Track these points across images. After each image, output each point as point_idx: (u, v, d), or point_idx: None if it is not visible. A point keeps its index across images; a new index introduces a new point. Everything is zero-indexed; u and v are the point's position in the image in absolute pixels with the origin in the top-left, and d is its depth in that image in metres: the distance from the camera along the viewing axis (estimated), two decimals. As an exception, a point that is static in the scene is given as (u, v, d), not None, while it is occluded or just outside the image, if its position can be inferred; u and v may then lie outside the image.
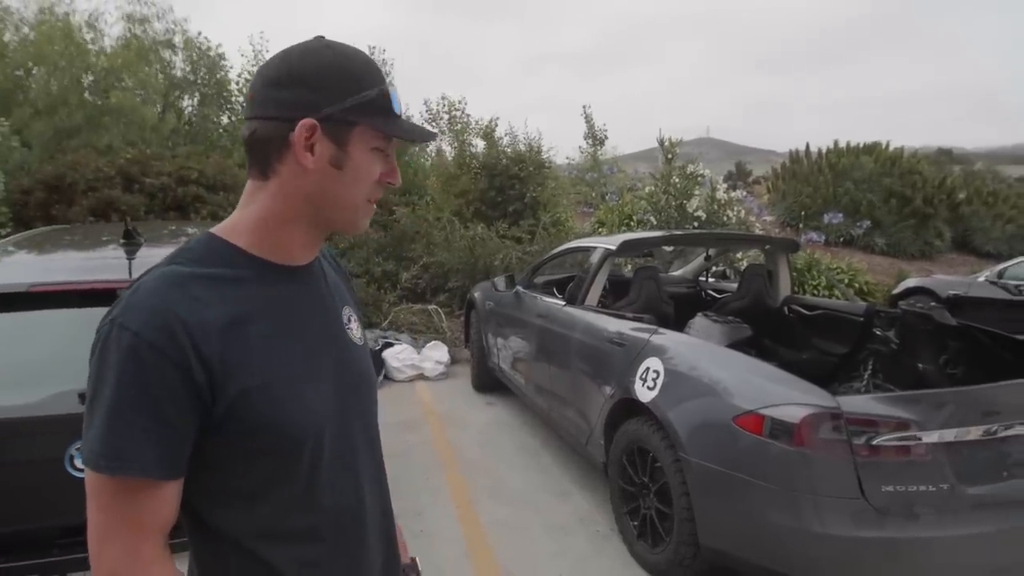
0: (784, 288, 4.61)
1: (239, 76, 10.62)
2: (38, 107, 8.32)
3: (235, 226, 0.95)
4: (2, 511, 1.83)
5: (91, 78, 9.17)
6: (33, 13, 9.41)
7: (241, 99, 10.64)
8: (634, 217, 9.33)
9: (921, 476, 2.29)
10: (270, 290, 0.93)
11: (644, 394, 3.01)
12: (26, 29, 9.25)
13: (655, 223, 8.56)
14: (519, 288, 5.03)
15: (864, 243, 12.07)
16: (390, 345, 6.67)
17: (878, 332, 3.85)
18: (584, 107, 12.27)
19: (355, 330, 1.08)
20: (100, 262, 2.73)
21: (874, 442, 2.27)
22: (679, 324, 4.04)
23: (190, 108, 10.64)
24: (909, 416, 2.33)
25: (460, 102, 11.65)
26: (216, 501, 0.90)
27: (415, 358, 6.51)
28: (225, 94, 10.66)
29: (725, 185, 8.96)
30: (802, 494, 2.35)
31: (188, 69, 10.64)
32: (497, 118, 9.78)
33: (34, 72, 8.72)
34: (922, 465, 2.31)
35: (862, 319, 3.94)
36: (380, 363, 6.38)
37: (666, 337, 3.17)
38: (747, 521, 2.51)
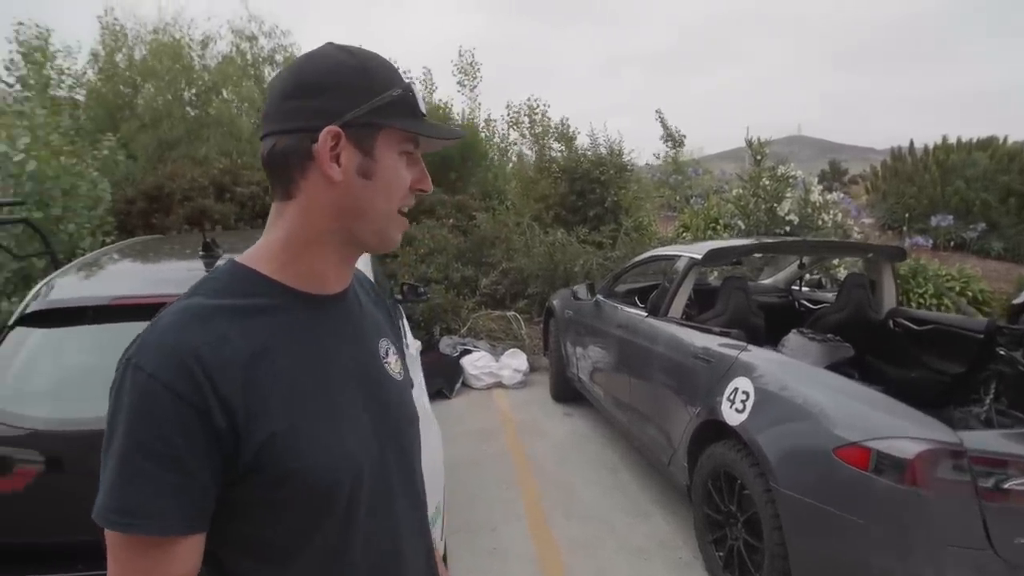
0: (889, 299, 4.23)
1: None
2: (144, 121, 8.87)
3: (260, 252, 0.87)
4: (79, 522, 1.87)
5: (193, 92, 9.70)
6: (148, 33, 10.08)
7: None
8: (720, 221, 8.94)
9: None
10: (297, 321, 0.85)
11: (732, 416, 2.79)
12: (138, 50, 9.90)
13: (743, 228, 8.16)
14: (599, 297, 4.87)
15: (978, 247, 11.11)
16: (468, 352, 6.65)
17: (1002, 351, 3.45)
18: (657, 111, 11.91)
19: (393, 364, 0.99)
20: (185, 274, 2.79)
21: (1006, 485, 1.99)
22: (770, 336, 3.78)
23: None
24: (1047, 456, 2.03)
25: (541, 105, 11.57)
26: (243, 554, 0.82)
27: (493, 365, 6.45)
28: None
29: (820, 186, 8.43)
30: (915, 539, 2.09)
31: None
32: (567, 119, 9.60)
33: (142, 89, 9.30)
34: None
35: (982, 335, 3.55)
36: (458, 370, 6.36)
37: (757, 355, 2.94)
38: (848, 564, 2.27)
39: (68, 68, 9.29)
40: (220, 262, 0.90)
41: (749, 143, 8.78)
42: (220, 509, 0.78)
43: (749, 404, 2.73)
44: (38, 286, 2.53)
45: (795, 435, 2.52)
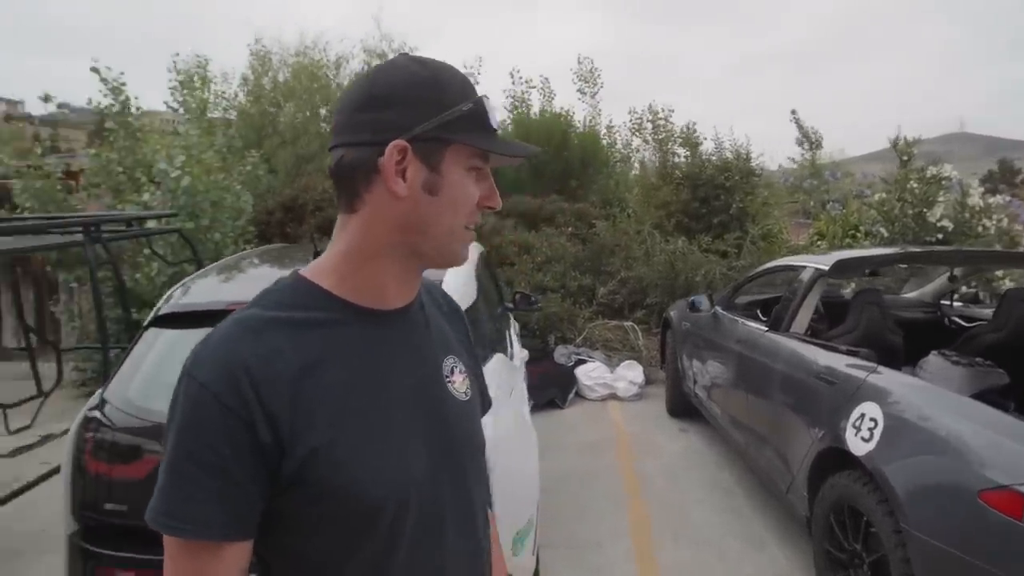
0: (1062, 318, 3.67)
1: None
2: (284, 137, 9.59)
3: (323, 265, 0.87)
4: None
5: (327, 108, 10.36)
6: (290, 56, 10.92)
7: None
8: (861, 228, 8.23)
9: None
10: (353, 336, 0.83)
11: (857, 445, 2.52)
12: (282, 73, 10.75)
13: (886, 236, 7.46)
14: (717, 309, 4.63)
15: None
16: (583, 362, 6.56)
17: None
18: (792, 111, 11.17)
19: (458, 384, 0.95)
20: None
21: None
22: (912, 357, 3.40)
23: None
24: None
25: (664, 110, 11.25)
26: (286, 564, 0.83)
27: (608, 377, 6.32)
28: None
29: (980, 188, 7.53)
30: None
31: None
32: (694, 124, 9.23)
33: (284, 108, 10.08)
34: None
35: None
36: (572, 380, 6.29)
37: (888, 378, 2.64)
38: (997, 625, 1.96)
39: (223, 92, 10.27)
40: (284, 277, 0.91)
41: (894, 143, 8.03)
42: (266, 518, 0.79)
43: (877, 433, 2.45)
44: (171, 290, 2.77)
45: (931, 471, 2.23)
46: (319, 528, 0.80)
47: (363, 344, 0.84)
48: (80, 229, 3.85)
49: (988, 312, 4.10)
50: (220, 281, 2.94)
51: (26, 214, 5.73)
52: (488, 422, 2.14)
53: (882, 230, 7.58)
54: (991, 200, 7.29)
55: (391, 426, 0.83)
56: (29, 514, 3.66)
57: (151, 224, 5.10)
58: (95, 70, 6.43)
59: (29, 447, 4.83)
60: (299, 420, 0.76)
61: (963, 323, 4.31)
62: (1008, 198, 8.28)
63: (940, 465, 2.20)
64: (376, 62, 11.20)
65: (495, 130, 0.85)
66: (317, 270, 0.86)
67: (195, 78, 7.52)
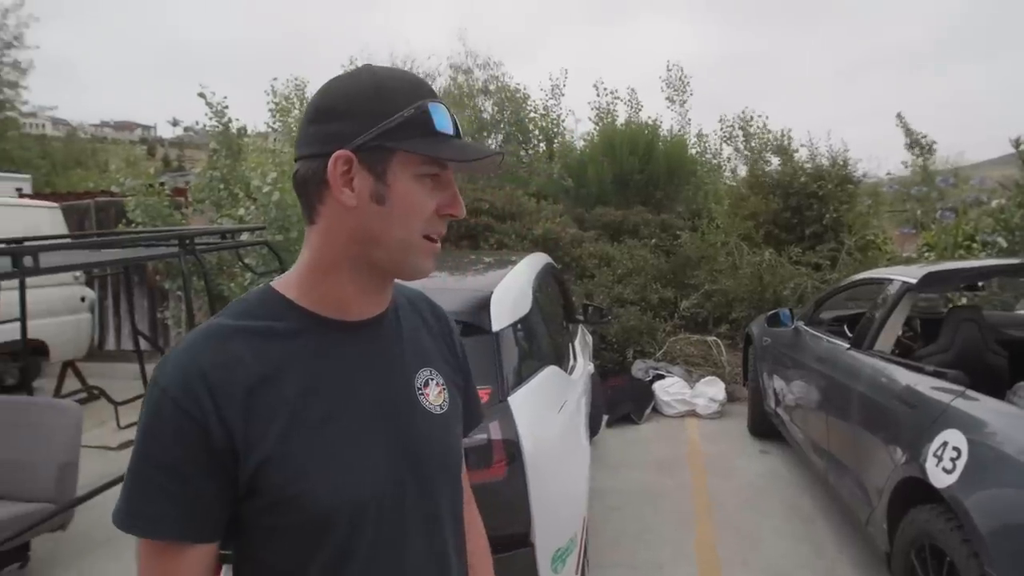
0: None
1: (534, 111, 11.41)
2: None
3: (290, 277, 0.89)
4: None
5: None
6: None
7: (538, 132, 11.37)
8: (976, 238, 7.54)
9: None
10: (316, 347, 0.84)
11: (938, 476, 2.29)
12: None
13: (1005, 246, 6.80)
14: (799, 324, 4.38)
15: None
16: (661, 377, 6.38)
17: None
18: (898, 115, 10.39)
19: (432, 397, 0.93)
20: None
21: None
22: (1017, 381, 3.07)
23: (494, 145, 11.79)
24: None
25: (757, 117, 10.85)
26: (253, 570, 0.85)
27: (687, 393, 6.11)
28: (525, 130, 11.54)
29: (1117, 194, 6.72)
30: None
31: (496, 110, 11.77)
32: (789, 130, 8.81)
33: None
34: None
35: None
36: (649, 395, 6.12)
37: (977, 403, 2.39)
38: None
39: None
40: (256, 288, 0.94)
41: (1016, 143, 7.32)
42: (231, 524, 0.81)
43: (960, 463, 2.22)
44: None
45: (1020, 509, 1.99)
46: (276, 536, 0.81)
47: (325, 355, 0.85)
48: (176, 242, 4.16)
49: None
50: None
51: (139, 228, 6.25)
52: (527, 436, 2.13)
53: (1000, 240, 6.91)
54: None
55: (349, 437, 0.83)
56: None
57: (244, 237, 5.43)
58: (202, 95, 6.96)
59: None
60: (253, 429, 0.78)
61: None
62: None
63: (1030, 502, 1.96)
64: (461, 77, 11.47)
65: (447, 135, 0.83)
66: (285, 282, 0.88)
67: (292, 97, 7.96)
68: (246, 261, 5.26)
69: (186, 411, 0.75)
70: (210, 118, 6.99)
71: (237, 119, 7.10)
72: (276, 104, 8.01)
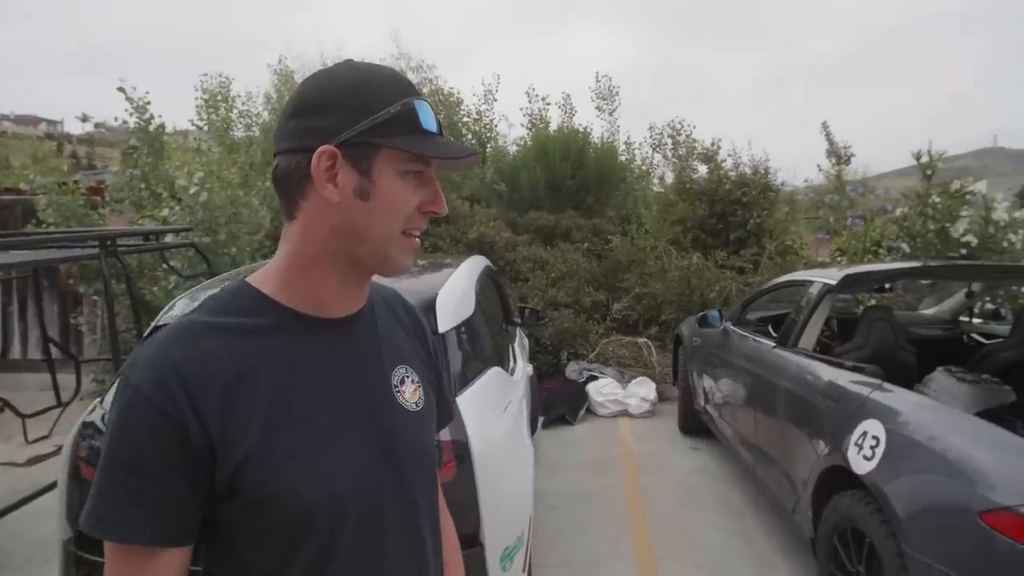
0: (1084, 336, 3.55)
1: (467, 115, 11.43)
2: (306, 154, 9.71)
3: (267, 272, 0.87)
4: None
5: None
6: (310, 74, 11.10)
7: (471, 137, 11.39)
8: (883, 244, 8.06)
9: None
10: (294, 343, 0.83)
11: (859, 464, 2.45)
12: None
13: (908, 252, 7.30)
14: (727, 325, 4.56)
15: None
16: (594, 378, 6.51)
17: None
18: (823, 124, 11.00)
19: (408, 394, 0.94)
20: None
21: None
22: (925, 375, 3.31)
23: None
24: None
25: (685, 126, 11.23)
26: (230, 574, 0.82)
27: (619, 393, 6.26)
28: (458, 134, 11.54)
29: (1006, 203, 7.33)
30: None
31: (430, 113, 11.69)
32: (719, 140, 9.17)
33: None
34: None
35: None
36: (583, 396, 6.23)
37: (892, 395, 2.57)
38: (999, 653, 1.88)
39: (248, 111, 10.49)
40: (229, 283, 0.92)
41: (918, 156, 7.87)
42: (206, 528, 0.79)
43: (879, 451, 2.38)
44: (174, 300, 2.81)
45: (931, 491, 2.16)
46: (256, 536, 0.79)
47: (302, 352, 0.84)
48: (96, 243, 3.94)
49: (1007, 329, 3.99)
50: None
51: (51, 229, 5.88)
52: (477, 436, 2.14)
53: (904, 246, 7.41)
54: (1016, 214, 7.09)
55: (327, 434, 0.82)
56: (38, 521, 3.71)
57: (168, 239, 5.20)
58: (121, 90, 6.62)
59: (45, 457, 4.93)
60: (231, 426, 0.76)
61: (981, 340, 4.19)
62: (1037, 213, 8.05)
63: (941, 485, 2.13)
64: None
65: (431, 133, 0.83)
66: (262, 277, 0.87)
67: (218, 97, 7.69)
68: (171, 264, 5.04)
69: (160, 408, 0.73)
70: (130, 113, 6.65)
71: (159, 116, 6.78)
72: (205, 101, 7.70)
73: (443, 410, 1.09)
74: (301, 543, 0.80)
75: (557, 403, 6.00)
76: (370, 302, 0.94)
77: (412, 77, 11.21)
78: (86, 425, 2.35)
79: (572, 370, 6.74)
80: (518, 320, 4.63)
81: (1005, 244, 6.84)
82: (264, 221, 6.49)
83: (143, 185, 6.51)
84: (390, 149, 0.80)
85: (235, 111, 8.75)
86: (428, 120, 0.83)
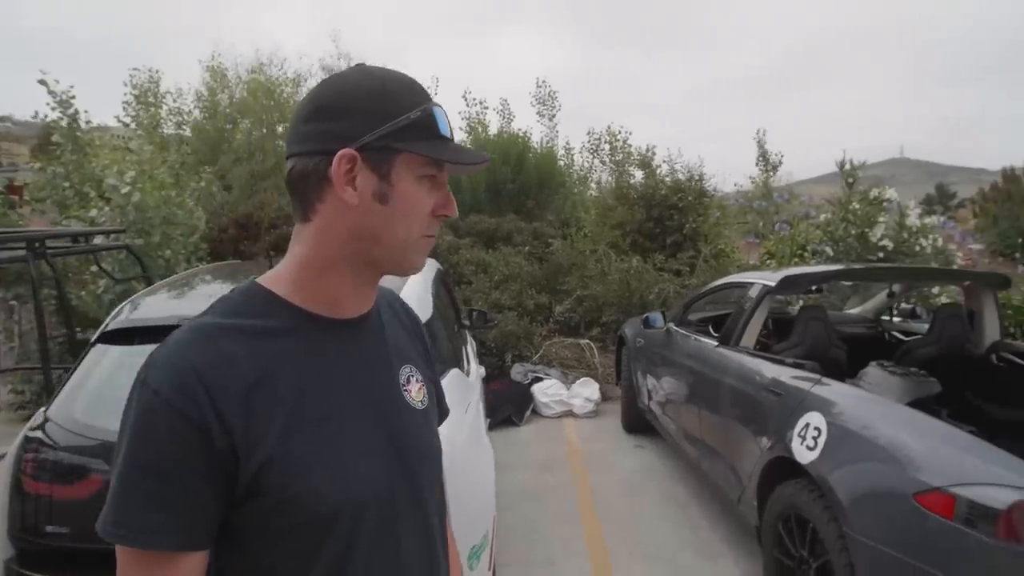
0: (991, 332, 3.87)
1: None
2: (239, 154, 9.49)
3: (279, 274, 0.87)
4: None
5: (284, 126, 10.31)
6: (246, 73, 10.82)
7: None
8: (808, 248, 8.52)
9: None
10: (309, 344, 0.84)
11: (802, 454, 2.61)
12: (238, 90, 10.64)
13: (831, 255, 7.74)
14: (670, 325, 4.72)
15: (1107, 276, 10.06)
16: (539, 380, 6.59)
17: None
18: (758, 131, 11.53)
19: (415, 393, 0.96)
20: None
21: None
22: (853, 370, 3.53)
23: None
24: None
25: (621, 132, 11.52)
26: None
27: (564, 394, 6.36)
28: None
29: (917, 210, 7.89)
30: (1009, 600, 1.86)
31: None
32: (654, 146, 9.50)
33: (239, 125, 9.97)
34: None
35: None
36: (528, 398, 6.31)
37: (831, 389, 2.74)
38: (933, 623, 2.04)
39: (178, 108, 10.11)
40: (240, 284, 0.92)
41: (840, 165, 8.35)
42: (223, 533, 0.78)
43: (821, 441, 2.54)
44: (120, 306, 2.71)
45: (870, 477, 2.32)
46: (277, 539, 0.79)
47: (318, 353, 0.84)
48: (23, 245, 3.73)
49: (924, 326, 4.30)
50: (171, 297, 2.88)
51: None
52: (443, 437, 2.16)
53: (827, 249, 7.85)
54: (927, 221, 7.64)
55: (346, 434, 0.83)
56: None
57: (98, 240, 4.96)
58: (43, 82, 6.26)
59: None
60: (254, 428, 0.76)
61: (902, 337, 4.49)
62: (943, 219, 8.69)
63: (879, 470, 2.29)
64: (335, 80, 11.19)
65: (447, 138, 0.86)
66: (273, 278, 0.87)
67: (148, 94, 7.39)
68: (103, 266, 4.81)
69: (181, 412, 0.73)
70: (53, 108, 6.30)
71: (85, 111, 6.45)
72: (135, 96, 7.37)
73: (441, 407, 1.11)
74: (322, 544, 0.80)
75: (503, 405, 6.04)
76: (376, 303, 0.96)
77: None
78: (29, 440, 2.24)
79: (517, 372, 6.80)
80: (467, 323, 4.66)
81: (917, 248, 7.35)
82: (200, 223, 6.29)
83: (67, 184, 6.18)
84: (409, 154, 0.82)
85: (164, 108, 8.45)
86: (444, 126, 0.86)
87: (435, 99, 0.88)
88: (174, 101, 9.74)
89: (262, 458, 0.76)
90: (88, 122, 6.56)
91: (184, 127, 9.86)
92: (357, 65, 0.88)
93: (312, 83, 11.12)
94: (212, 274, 3.47)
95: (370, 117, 0.81)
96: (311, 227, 0.84)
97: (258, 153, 9.48)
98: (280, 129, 10.08)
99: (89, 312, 5.32)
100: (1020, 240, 10.66)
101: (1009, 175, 13.06)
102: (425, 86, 0.89)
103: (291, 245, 0.88)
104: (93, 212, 5.57)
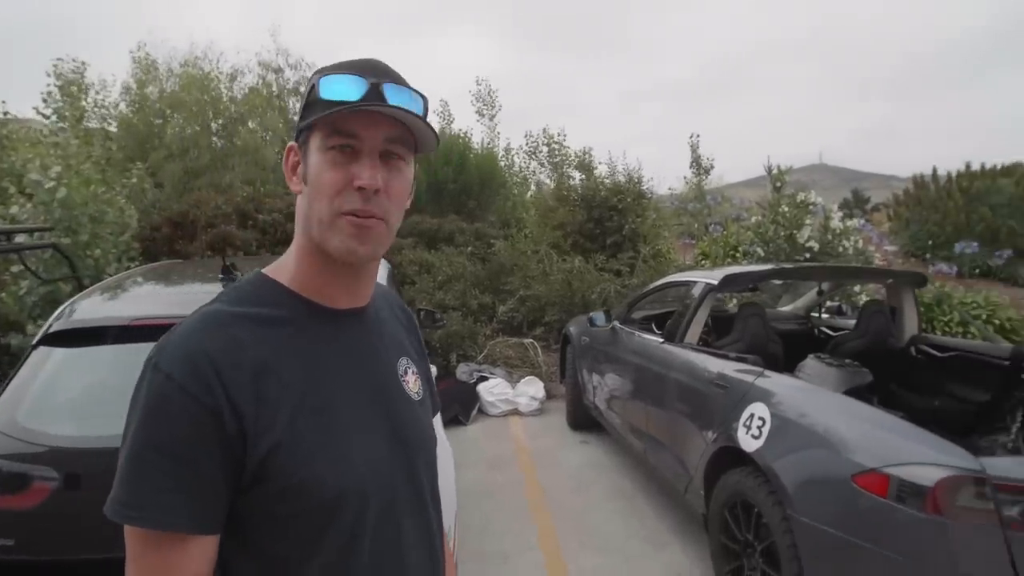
0: (910, 326, 4.16)
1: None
2: (172, 150, 9.12)
3: (282, 263, 0.91)
4: (93, 539, 1.87)
5: (220, 122, 9.97)
6: (178, 66, 10.41)
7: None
8: (740, 249, 8.88)
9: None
10: (312, 333, 0.86)
11: (748, 443, 2.75)
12: (170, 83, 10.22)
13: (762, 255, 8.11)
14: (615, 323, 4.85)
15: (1005, 274, 10.89)
16: (484, 379, 6.63)
17: (1029, 379, 3.36)
18: (691, 135, 11.91)
19: (411, 384, 0.99)
20: (204, 296, 2.83)
21: (1029, 514, 1.93)
22: (788, 364, 3.73)
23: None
24: (1074, 484, 1.97)
25: (559, 134, 11.69)
26: (251, 565, 0.82)
27: (509, 393, 6.42)
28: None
29: (840, 213, 8.36)
30: (937, 571, 2.03)
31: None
32: (591, 148, 9.70)
33: (171, 120, 9.58)
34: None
35: (1007, 363, 3.47)
36: (474, 397, 6.34)
37: (773, 380, 2.90)
38: (870, 595, 2.20)
39: (103, 100, 9.63)
40: (247, 274, 0.93)
41: (769, 170, 8.76)
42: (232, 519, 0.80)
43: (765, 430, 2.68)
44: (62, 307, 2.59)
45: (812, 461, 2.47)
46: (281, 528, 0.81)
47: (322, 341, 0.87)
48: (-59, 243, 3.51)
49: (850, 322, 4.57)
50: (111, 298, 2.78)
51: None
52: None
53: (759, 250, 8.22)
54: (849, 223, 8.11)
55: (349, 423, 0.86)
56: None
57: (21, 239, 4.69)
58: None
59: None
60: (263, 414, 0.78)
61: (830, 332, 4.76)
62: (862, 222, 9.23)
63: (819, 455, 2.44)
64: (271, 76, 10.91)
65: (342, 101, 0.80)
66: (278, 268, 0.90)
67: (72, 85, 7.03)
68: (28, 265, 4.56)
69: (195, 396, 0.75)
70: (-36, 99, 5.92)
71: (3, 101, 6.09)
72: (59, 87, 6.98)
73: (434, 400, 1.15)
74: (325, 533, 0.82)
75: (449, 404, 6.05)
76: (374, 299, 0.98)
77: (290, 76, 10.84)
78: None
79: (462, 371, 6.83)
80: (416, 323, 4.65)
81: (840, 249, 7.80)
82: (131, 221, 6.03)
83: (-18, 179, 5.81)
84: (315, 130, 0.83)
85: (89, 100, 8.03)
86: (332, 90, 0.81)
87: (348, 71, 0.83)
88: (97, 93, 9.32)
89: (270, 444, 0.78)
90: (6, 113, 6.19)
91: (110, 121, 9.41)
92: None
93: (249, 79, 10.82)
94: (151, 274, 3.36)
95: (303, 107, 0.87)
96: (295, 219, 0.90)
97: (192, 149, 9.13)
98: (215, 126, 9.75)
99: (10, 315, 5.02)
100: (929, 242, 11.42)
101: (919, 181, 13.94)
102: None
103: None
104: (14, 209, 5.26)
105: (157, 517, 0.74)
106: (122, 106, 9.73)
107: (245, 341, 0.80)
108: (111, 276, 5.09)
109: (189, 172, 8.97)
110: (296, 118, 0.91)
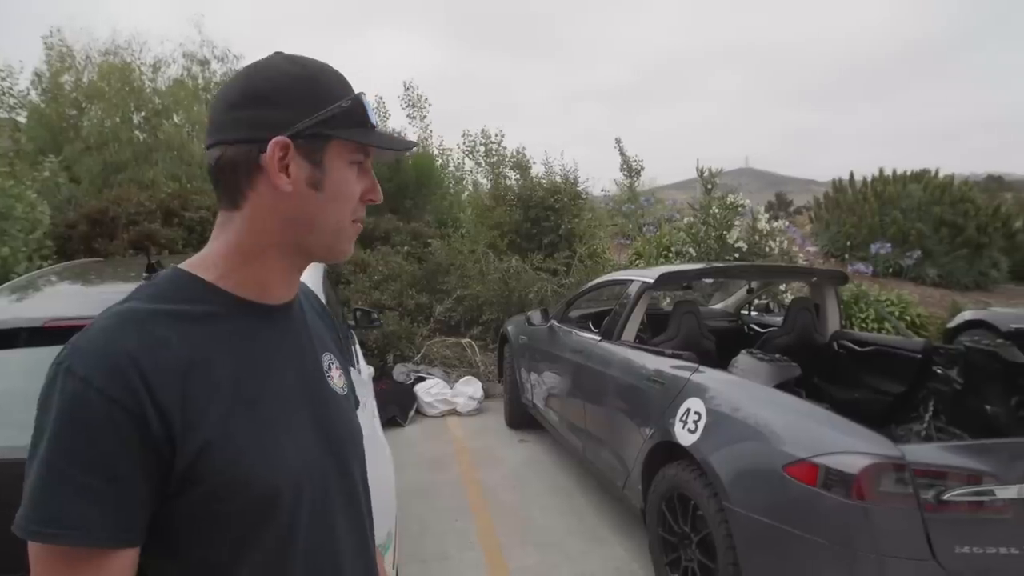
0: (833, 323, 4.37)
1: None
2: (89, 143, 8.61)
3: (204, 260, 0.85)
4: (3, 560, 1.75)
5: (142, 115, 9.49)
6: (97, 55, 9.84)
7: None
8: (672, 249, 9.13)
9: (1001, 537, 2.05)
10: (240, 329, 0.83)
11: (684, 437, 2.81)
12: (87, 73, 9.65)
13: (694, 255, 8.35)
14: (553, 322, 4.89)
15: (915, 274, 11.60)
16: (422, 379, 6.58)
17: (939, 370, 3.58)
18: (617, 140, 12.15)
19: (336, 379, 0.97)
20: (123, 296, 2.68)
21: (944, 497, 2.05)
22: (721, 360, 3.84)
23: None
24: (984, 468, 2.10)
25: (496, 135, 11.70)
26: (177, 571, 0.78)
27: (447, 393, 6.38)
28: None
29: (767, 215, 8.71)
30: (862, 552, 2.12)
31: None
32: (524, 148, 9.76)
33: (88, 111, 9.05)
34: (1002, 524, 2.07)
35: (920, 356, 3.68)
36: (412, 398, 6.27)
37: (708, 376, 2.98)
38: (800, 580, 2.29)
39: (9, 88, 9.00)
40: (162, 271, 0.88)
41: (700, 172, 9.02)
42: (156, 525, 0.75)
43: (701, 424, 2.75)
44: None
45: (746, 454, 2.55)
46: (215, 527, 0.77)
47: (250, 339, 0.84)
48: None
49: (778, 320, 4.76)
50: (24, 298, 2.60)
51: None
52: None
53: (690, 250, 8.46)
54: (774, 225, 8.45)
55: (280, 418, 0.84)
56: None
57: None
58: None
59: None
60: (190, 413, 0.74)
61: (759, 329, 4.94)
62: (787, 224, 9.64)
63: (752, 447, 2.53)
64: (197, 68, 10.49)
65: (375, 125, 0.88)
66: (199, 264, 0.85)
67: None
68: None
69: (116, 400, 0.69)
70: None
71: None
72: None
73: (355, 394, 1.13)
74: (261, 530, 0.80)
75: (387, 405, 5.96)
76: (297, 292, 0.96)
77: (217, 68, 10.45)
78: None
79: (400, 372, 6.74)
80: (352, 322, 4.56)
81: (767, 249, 8.11)
82: (44, 218, 5.66)
83: None
84: (340, 141, 0.84)
85: (-5, 87, 7.49)
86: (372, 114, 0.89)
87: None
88: (3, 80, 8.69)
89: (200, 443, 0.74)
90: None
91: (19, 111, 8.80)
92: (277, 52, 0.88)
93: (174, 70, 10.35)
94: (65, 273, 3.17)
95: (302, 105, 0.82)
96: (240, 214, 0.84)
97: (112, 143, 8.64)
98: (137, 119, 9.27)
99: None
100: (847, 243, 12.03)
101: (838, 186, 14.67)
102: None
103: (216, 232, 0.87)
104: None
105: (76, 534, 0.68)
106: (33, 95, 9.15)
107: (169, 339, 0.76)
108: (20, 276, 4.78)
109: (109, 167, 8.47)
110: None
